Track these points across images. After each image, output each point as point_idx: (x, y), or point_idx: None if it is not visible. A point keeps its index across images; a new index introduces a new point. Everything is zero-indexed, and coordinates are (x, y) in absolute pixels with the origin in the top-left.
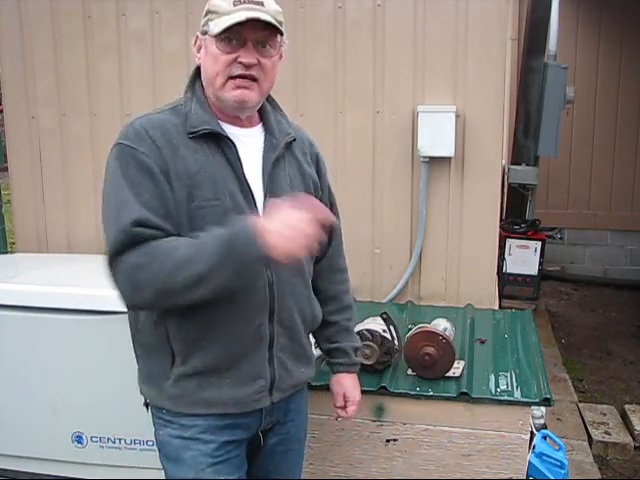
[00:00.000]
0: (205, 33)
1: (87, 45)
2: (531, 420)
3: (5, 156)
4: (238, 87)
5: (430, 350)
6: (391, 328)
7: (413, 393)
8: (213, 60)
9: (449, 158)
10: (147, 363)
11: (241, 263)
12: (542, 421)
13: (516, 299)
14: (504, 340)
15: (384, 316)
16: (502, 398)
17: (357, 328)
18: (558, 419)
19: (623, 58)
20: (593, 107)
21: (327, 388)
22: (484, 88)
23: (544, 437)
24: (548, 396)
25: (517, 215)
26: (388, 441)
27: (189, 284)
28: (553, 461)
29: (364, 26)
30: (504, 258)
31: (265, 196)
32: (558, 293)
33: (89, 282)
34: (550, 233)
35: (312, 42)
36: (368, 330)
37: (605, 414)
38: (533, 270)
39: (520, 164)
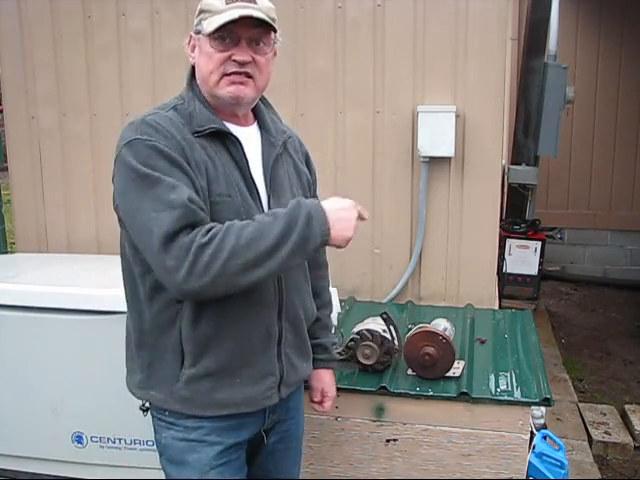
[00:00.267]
0: (199, 32)
1: (87, 45)
2: (531, 420)
3: (5, 156)
4: (233, 83)
5: (430, 350)
6: (391, 328)
7: (413, 393)
8: (207, 59)
9: (449, 158)
10: (155, 366)
11: (305, 239)
12: (542, 421)
13: (516, 299)
14: (504, 340)
15: (384, 316)
16: (502, 398)
17: (357, 328)
18: (558, 419)
19: (623, 58)
20: (593, 107)
21: None
22: (484, 88)
23: (544, 437)
24: (548, 396)
25: (517, 215)
26: (388, 441)
27: (255, 262)
28: (553, 461)
29: (364, 26)
30: (504, 258)
31: (268, 194)
32: (558, 293)
33: (89, 282)
34: (550, 233)
35: (312, 42)
36: (368, 330)
37: (605, 414)
38: (533, 270)
39: (520, 164)
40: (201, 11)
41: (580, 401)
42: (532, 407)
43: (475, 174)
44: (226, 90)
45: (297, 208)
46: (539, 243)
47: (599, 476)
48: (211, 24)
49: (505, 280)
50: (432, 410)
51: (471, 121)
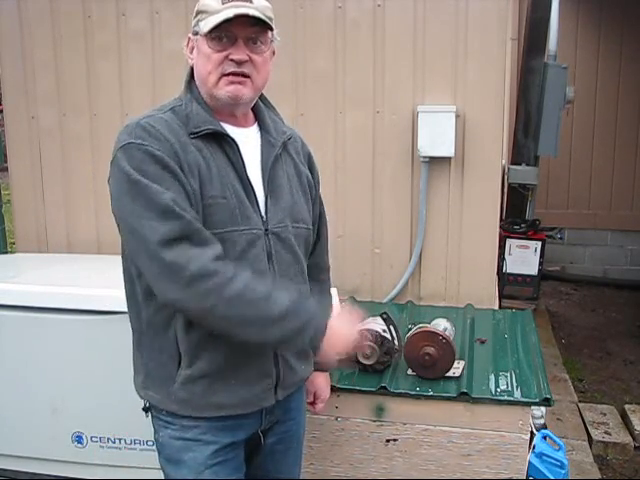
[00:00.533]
0: (196, 33)
1: (87, 45)
2: (531, 420)
3: (5, 156)
4: (231, 83)
5: (430, 350)
6: (391, 328)
7: (413, 393)
8: (205, 59)
9: (449, 158)
10: (152, 366)
11: (298, 331)
12: (542, 421)
13: (516, 299)
14: (504, 340)
15: (384, 316)
16: (502, 398)
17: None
18: (558, 419)
19: (623, 58)
20: (593, 107)
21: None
22: (484, 88)
23: (544, 437)
24: (548, 396)
25: (517, 215)
26: (388, 441)
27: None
28: (553, 461)
29: (364, 26)
30: (504, 258)
31: (266, 195)
32: (558, 293)
33: (89, 282)
34: (550, 233)
35: (312, 42)
36: (368, 330)
37: (605, 414)
38: (533, 270)
39: (520, 164)
40: (198, 12)
41: (580, 401)
42: (532, 407)
43: (475, 174)
44: (225, 90)
45: (309, 308)
46: (539, 243)
47: (599, 476)
48: (207, 24)
49: (505, 280)
50: (432, 410)
51: (471, 121)
